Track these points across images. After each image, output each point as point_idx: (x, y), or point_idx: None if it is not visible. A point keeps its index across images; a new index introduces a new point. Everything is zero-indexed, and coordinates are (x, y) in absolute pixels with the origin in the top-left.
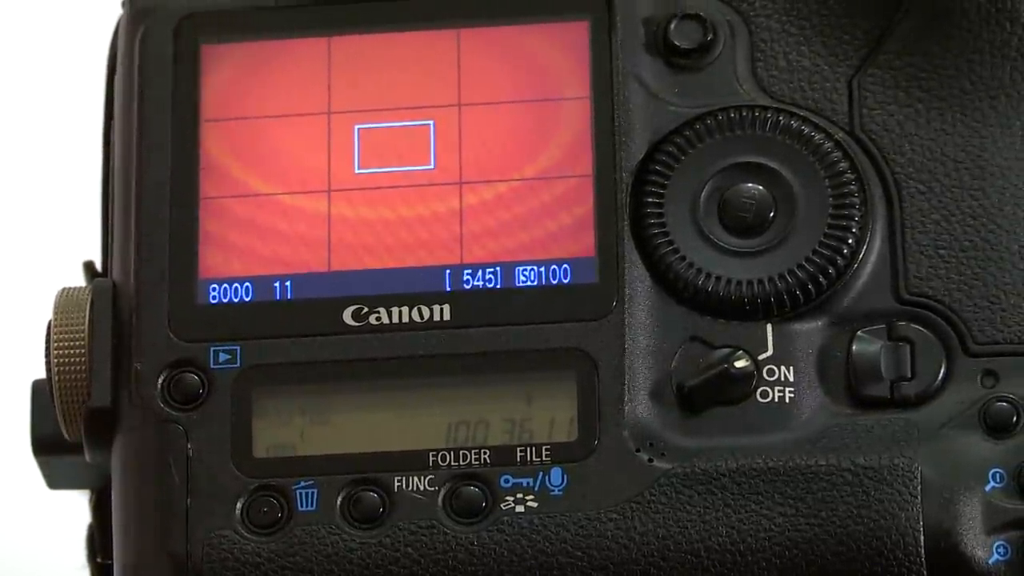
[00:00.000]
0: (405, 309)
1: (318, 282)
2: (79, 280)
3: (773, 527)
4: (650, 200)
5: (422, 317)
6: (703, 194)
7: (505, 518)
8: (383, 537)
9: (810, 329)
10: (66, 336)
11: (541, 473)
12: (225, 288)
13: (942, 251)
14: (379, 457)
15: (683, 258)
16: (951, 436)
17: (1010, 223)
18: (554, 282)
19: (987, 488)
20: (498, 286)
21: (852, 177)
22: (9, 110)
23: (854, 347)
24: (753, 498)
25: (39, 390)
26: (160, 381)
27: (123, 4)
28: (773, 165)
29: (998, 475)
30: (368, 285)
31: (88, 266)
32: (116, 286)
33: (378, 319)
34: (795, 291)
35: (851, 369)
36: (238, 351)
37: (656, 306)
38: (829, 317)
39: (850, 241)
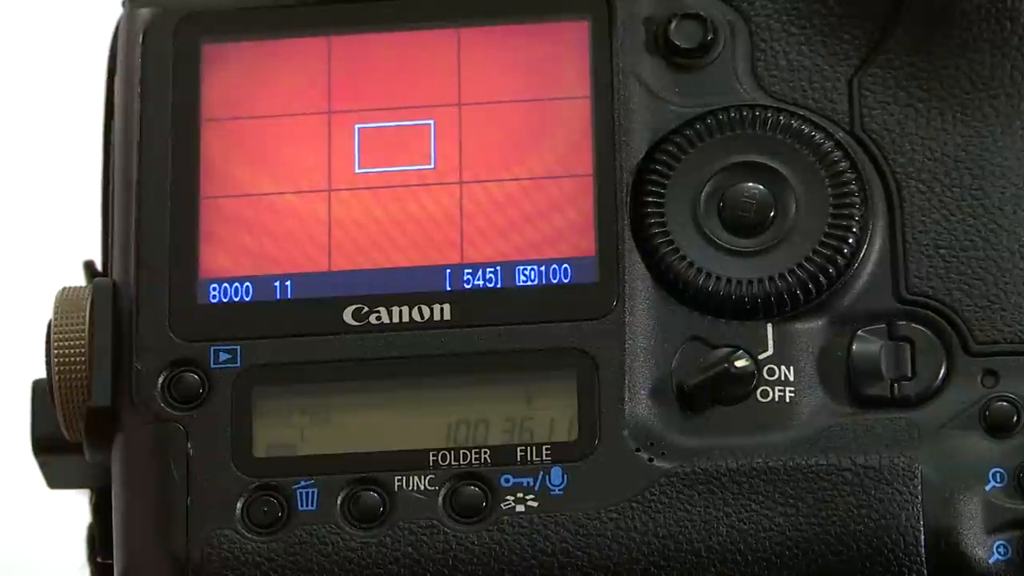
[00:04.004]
0: (405, 309)
1: (318, 282)
2: (79, 280)
3: (773, 527)
4: (650, 200)
5: (422, 317)
6: (703, 194)
7: (505, 517)
8: (383, 537)
9: (810, 329)
10: (66, 336)
11: (541, 473)
12: (225, 288)
13: (942, 250)
14: (379, 457)
15: (683, 258)
16: (951, 436)
17: (1010, 223)
18: (554, 282)
19: (987, 488)
20: (498, 286)
21: (852, 176)
22: (9, 110)
23: (854, 347)
24: (753, 498)
25: (39, 390)
26: (160, 381)
27: (123, 4)
28: (773, 164)
29: (998, 475)
30: (368, 285)
31: (88, 266)
32: (116, 286)
33: (378, 319)
34: (795, 290)
35: (851, 369)
36: (238, 351)
37: (656, 306)
38: (829, 317)
39: (850, 240)
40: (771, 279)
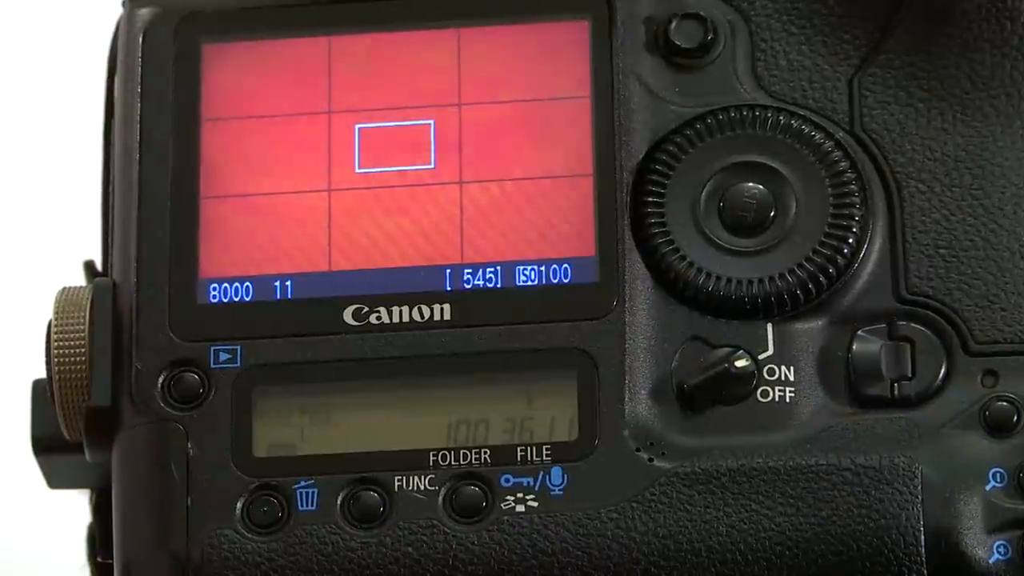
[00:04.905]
0: (405, 309)
1: (318, 282)
2: (79, 280)
3: (773, 527)
4: (650, 199)
5: (422, 317)
6: (703, 193)
7: (505, 517)
8: (383, 537)
9: (811, 328)
10: (66, 336)
11: (541, 473)
12: (225, 288)
13: (942, 250)
14: (379, 457)
15: (683, 257)
16: (951, 436)
17: (1011, 223)
18: (554, 281)
19: (987, 488)
20: (498, 285)
21: (852, 176)
22: (9, 110)
23: (855, 346)
24: (754, 498)
25: (39, 390)
26: (160, 381)
27: (123, 4)
28: (774, 164)
29: (998, 475)
30: (368, 285)
31: (88, 266)
32: (116, 286)
33: (378, 319)
34: (795, 290)
35: (852, 368)
36: (238, 351)
37: (656, 306)
38: (830, 316)
39: (850, 240)
40: (771, 279)
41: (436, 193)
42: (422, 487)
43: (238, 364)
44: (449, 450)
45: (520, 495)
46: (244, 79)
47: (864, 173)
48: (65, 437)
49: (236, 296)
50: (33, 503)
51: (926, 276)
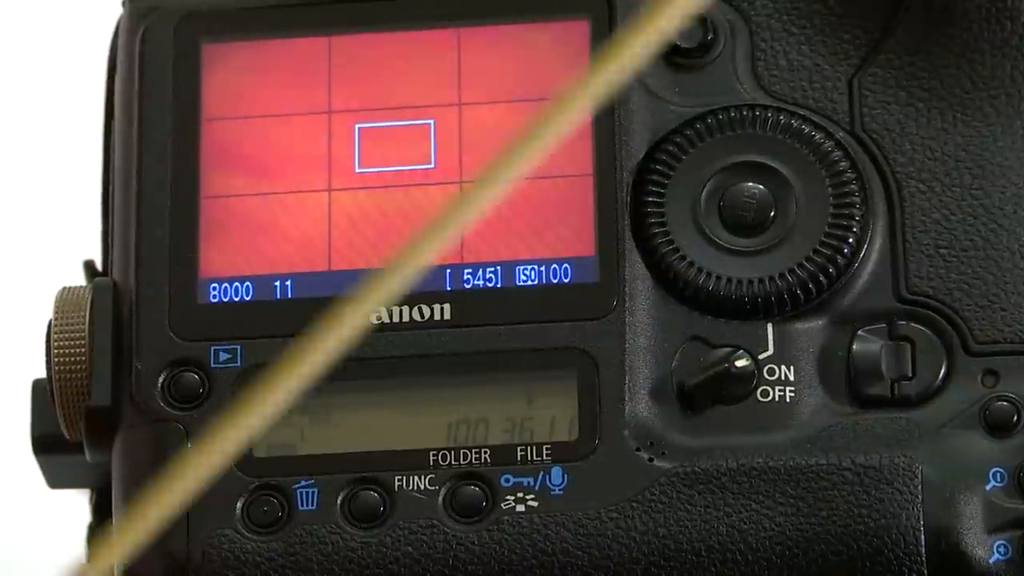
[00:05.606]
0: (405, 308)
1: (319, 281)
2: (79, 280)
3: (774, 526)
4: (651, 199)
5: (422, 316)
6: (704, 193)
7: (505, 517)
8: (383, 536)
9: (811, 328)
10: (66, 336)
11: (541, 473)
12: (225, 287)
13: (943, 250)
14: (379, 456)
15: (683, 257)
16: (952, 435)
17: (1011, 222)
18: (554, 281)
19: (988, 487)
20: (498, 285)
21: (853, 176)
22: (9, 110)
23: (855, 346)
24: (754, 497)
25: (39, 390)
26: (160, 380)
27: (123, 4)
28: (774, 164)
29: (999, 474)
30: None
31: (88, 266)
32: (116, 285)
33: (378, 318)
34: (796, 290)
35: (852, 368)
36: (238, 350)
37: (656, 305)
38: (830, 316)
39: (850, 240)
40: (771, 279)
41: (436, 193)
42: (422, 487)
43: (238, 364)
44: (449, 450)
45: (520, 495)
46: (244, 79)
47: (864, 173)
48: (65, 437)
49: (236, 296)
50: (33, 503)
51: (926, 276)
